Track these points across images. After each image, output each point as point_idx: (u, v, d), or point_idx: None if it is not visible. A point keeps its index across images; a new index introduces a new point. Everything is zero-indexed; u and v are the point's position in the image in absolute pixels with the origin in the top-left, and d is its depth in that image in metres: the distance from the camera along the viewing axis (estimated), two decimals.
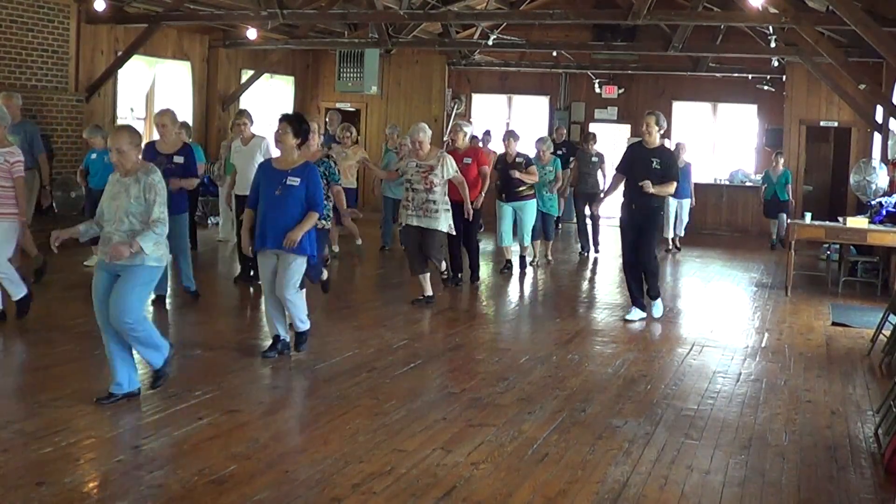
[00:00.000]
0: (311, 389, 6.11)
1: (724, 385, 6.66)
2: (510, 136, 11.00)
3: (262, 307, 7.33)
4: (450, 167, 8.94)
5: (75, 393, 5.69)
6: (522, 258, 11.56)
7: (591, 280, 11.82)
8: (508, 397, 6.08)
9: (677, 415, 5.87)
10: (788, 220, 13.56)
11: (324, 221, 7.25)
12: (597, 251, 13.38)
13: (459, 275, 10.20)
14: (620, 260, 9.16)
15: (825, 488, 4.77)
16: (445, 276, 9.81)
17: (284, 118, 6.72)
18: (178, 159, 8.39)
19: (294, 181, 6.53)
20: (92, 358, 6.82)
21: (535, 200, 11.20)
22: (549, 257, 12.36)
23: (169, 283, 8.58)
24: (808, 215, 11.36)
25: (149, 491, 4.28)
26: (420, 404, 5.84)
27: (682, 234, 14.46)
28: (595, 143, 13.72)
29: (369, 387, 6.20)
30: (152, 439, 4.97)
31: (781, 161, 15.14)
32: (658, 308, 8.97)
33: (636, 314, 8.78)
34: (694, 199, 14.51)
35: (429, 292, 9.13)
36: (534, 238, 11.77)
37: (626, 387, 6.50)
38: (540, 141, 12.07)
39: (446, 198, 9.01)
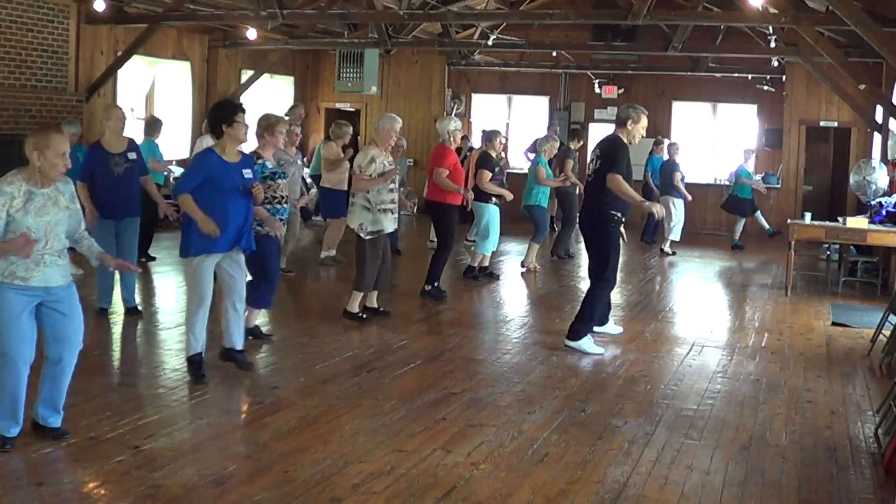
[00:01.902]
0: (311, 389, 6.11)
1: (724, 385, 6.66)
2: (501, 136, 10.71)
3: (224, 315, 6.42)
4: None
5: (75, 393, 5.69)
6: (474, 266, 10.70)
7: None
8: (508, 397, 6.08)
9: (677, 415, 5.87)
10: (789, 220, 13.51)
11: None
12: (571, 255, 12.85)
13: (436, 284, 9.44)
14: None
15: (825, 488, 4.77)
16: (428, 290, 9.37)
17: (239, 107, 6.18)
18: (132, 155, 7.91)
19: (249, 174, 6.18)
20: (92, 357, 6.83)
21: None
22: (536, 265, 11.64)
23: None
24: (808, 215, 11.36)
25: (149, 491, 4.28)
26: (420, 404, 5.84)
27: (676, 238, 13.86)
28: (580, 140, 13.59)
29: (369, 387, 6.20)
30: (152, 439, 4.97)
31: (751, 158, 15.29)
32: (587, 344, 7.40)
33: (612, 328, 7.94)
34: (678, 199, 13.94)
35: (355, 309, 8.16)
36: (536, 241, 11.67)
37: (626, 387, 6.50)
38: (545, 139, 11.91)
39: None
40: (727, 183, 17.44)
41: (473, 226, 10.61)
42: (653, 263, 13.05)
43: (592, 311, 7.47)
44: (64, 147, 4.72)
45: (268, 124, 7.16)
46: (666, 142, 14.96)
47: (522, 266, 11.63)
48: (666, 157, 14.20)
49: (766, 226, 15.36)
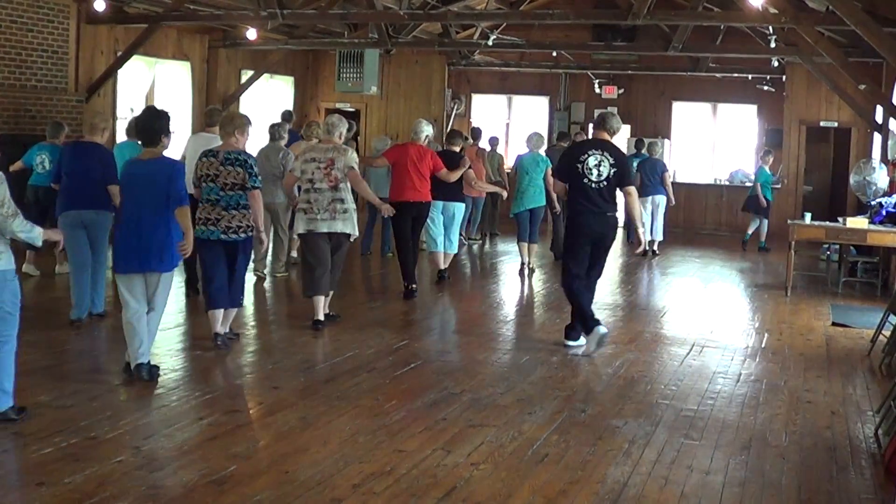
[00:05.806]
0: (311, 389, 6.11)
1: (724, 385, 6.66)
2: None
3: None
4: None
5: (76, 393, 5.70)
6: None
7: None
8: (508, 397, 6.08)
9: (677, 415, 5.87)
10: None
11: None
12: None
13: (414, 286, 9.39)
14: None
15: (825, 489, 4.77)
16: (409, 289, 9.28)
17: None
18: None
19: None
20: (93, 358, 6.84)
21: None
22: (531, 264, 11.57)
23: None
24: (808, 215, 11.36)
25: (149, 491, 4.28)
26: (420, 404, 5.84)
27: (661, 238, 13.72)
28: (566, 141, 13.53)
29: (369, 387, 6.20)
30: (152, 440, 4.97)
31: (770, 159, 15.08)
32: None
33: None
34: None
35: (320, 316, 7.80)
36: (530, 240, 11.60)
37: (626, 387, 6.50)
38: (539, 138, 11.87)
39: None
40: (727, 183, 17.48)
41: (442, 225, 10.13)
42: (653, 263, 13.06)
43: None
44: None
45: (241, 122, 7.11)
46: (646, 141, 14.78)
47: (527, 266, 11.51)
48: (655, 155, 13.97)
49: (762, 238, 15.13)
